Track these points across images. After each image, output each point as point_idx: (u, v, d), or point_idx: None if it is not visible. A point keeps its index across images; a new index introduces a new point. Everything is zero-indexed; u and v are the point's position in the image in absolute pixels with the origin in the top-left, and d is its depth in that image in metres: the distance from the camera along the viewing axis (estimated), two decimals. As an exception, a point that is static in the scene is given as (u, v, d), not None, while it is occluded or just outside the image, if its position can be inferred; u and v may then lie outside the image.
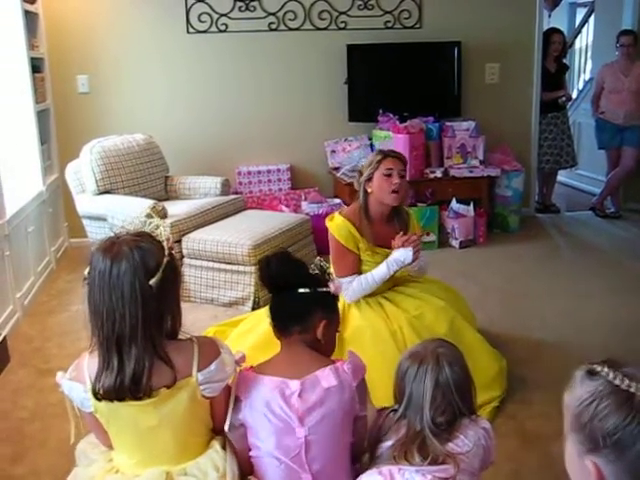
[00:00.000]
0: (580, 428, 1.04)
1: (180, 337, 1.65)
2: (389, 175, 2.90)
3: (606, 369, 1.03)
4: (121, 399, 1.54)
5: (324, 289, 1.78)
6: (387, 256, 2.94)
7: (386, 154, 2.96)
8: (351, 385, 1.69)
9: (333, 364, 1.72)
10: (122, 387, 1.53)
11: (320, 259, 1.91)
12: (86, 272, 1.58)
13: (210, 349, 1.64)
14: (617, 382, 1.01)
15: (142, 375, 1.53)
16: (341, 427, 1.70)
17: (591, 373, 1.05)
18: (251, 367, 1.75)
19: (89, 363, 1.61)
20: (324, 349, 1.80)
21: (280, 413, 1.65)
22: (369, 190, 2.95)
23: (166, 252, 1.58)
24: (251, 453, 1.71)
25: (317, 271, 1.83)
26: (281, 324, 1.78)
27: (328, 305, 1.80)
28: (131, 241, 1.56)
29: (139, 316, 1.52)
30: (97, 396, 1.55)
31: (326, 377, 1.67)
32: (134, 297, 1.52)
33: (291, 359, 1.74)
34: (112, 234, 1.63)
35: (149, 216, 1.68)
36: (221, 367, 1.63)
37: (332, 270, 2.75)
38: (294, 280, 1.75)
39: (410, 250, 2.87)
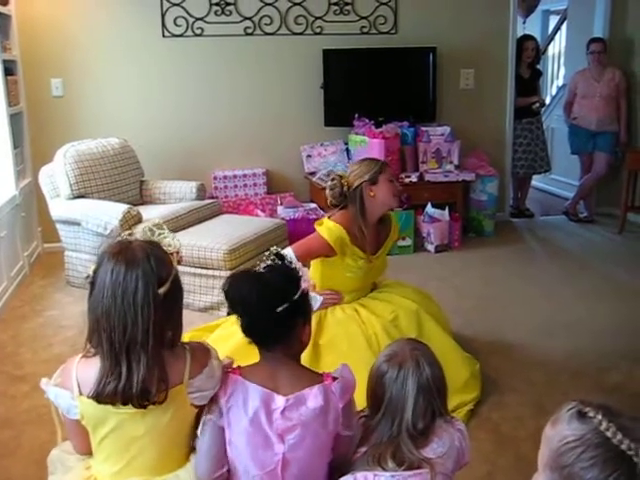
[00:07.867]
0: (558, 468, 1.00)
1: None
2: (391, 181, 3.00)
3: (600, 417, 0.99)
4: (125, 404, 1.52)
5: (299, 293, 1.63)
6: (369, 260, 2.95)
7: (383, 162, 3.08)
8: (337, 407, 1.62)
9: (322, 382, 1.63)
10: (130, 394, 1.51)
11: (275, 247, 1.74)
12: (91, 271, 1.55)
13: (201, 356, 1.63)
14: (609, 434, 0.97)
15: (152, 384, 1.51)
16: (321, 448, 1.65)
17: (582, 414, 1.00)
18: (238, 368, 1.67)
19: (80, 368, 1.57)
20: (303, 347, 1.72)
21: (261, 426, 1.60)
22: (371, 194, 2.92)
23: (174, 264, 1.58)
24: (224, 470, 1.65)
25: (274, 259, 1.68)
26: (262, 343, 1.65)
27: (305, 307, 1.68)
28: (145, 247, 1.55)
29: (151, 323, 1.51)
30: (99, 400, 1.52)
31: (313, 397, 1.60)
32: (147, 303, 1.50)
33: (277, 371, 1.64)
34: (122, 239, 1.61)
35: (158, 227, 1.67)
36: (211, 374, 1.61)
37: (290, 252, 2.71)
38: (270, 301, 1.59)
39: (321, 299, 2.82)
